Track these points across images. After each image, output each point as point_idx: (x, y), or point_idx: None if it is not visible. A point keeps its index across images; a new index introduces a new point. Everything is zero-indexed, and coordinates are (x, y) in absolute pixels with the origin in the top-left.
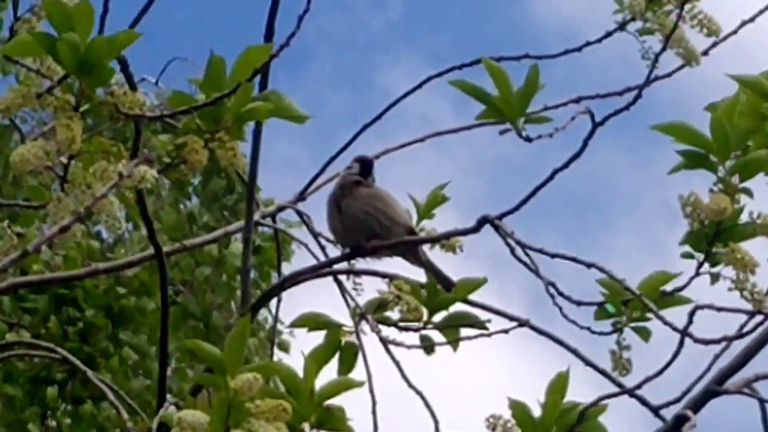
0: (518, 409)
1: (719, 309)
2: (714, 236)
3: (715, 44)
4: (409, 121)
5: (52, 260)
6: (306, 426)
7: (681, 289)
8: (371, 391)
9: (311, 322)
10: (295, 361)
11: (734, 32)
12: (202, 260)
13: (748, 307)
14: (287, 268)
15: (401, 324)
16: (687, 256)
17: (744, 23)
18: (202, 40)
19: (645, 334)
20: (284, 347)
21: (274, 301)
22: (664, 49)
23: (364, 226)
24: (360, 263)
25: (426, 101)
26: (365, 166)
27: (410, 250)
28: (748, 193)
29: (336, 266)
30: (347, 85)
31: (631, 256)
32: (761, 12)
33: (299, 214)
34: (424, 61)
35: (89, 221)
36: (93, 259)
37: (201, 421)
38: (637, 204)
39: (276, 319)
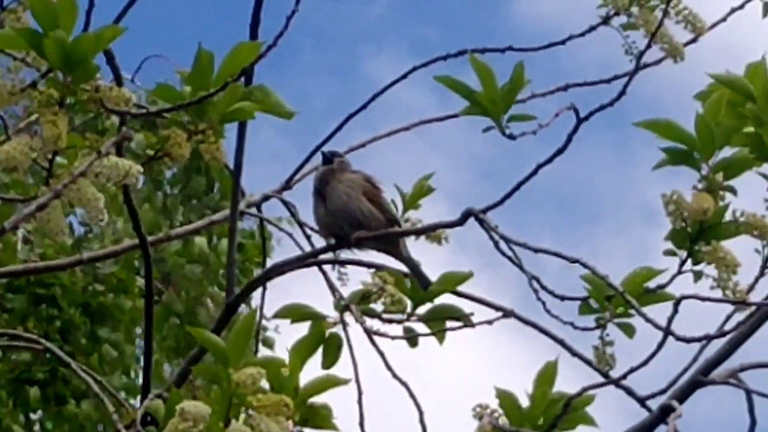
0: (506, 398)
1: (704, 299)
2: (697, 234)
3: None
4: (394, 110)
5: (29, 258)
6: (290, 423)
7: (664, 286)
8: (357, 382)
9: (295, 313)
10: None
11: (723, 19)
12: (190, 256)
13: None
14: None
15: (385, 316)
16: (670, 253)
17: (733, 10)
18: (177, 36)
19: (629, 330)
20: (268, 344)
21: (258, 297)
22: (649, 45)
23: (348, 210)
24: (345, 254)
25: (410, 91)
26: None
27: (391, 243)
28: (732, 191)
29: (321, 256)
30: (332, 75)
31: (612, 250)
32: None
33: (285, 203)
34: (409, 51)
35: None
36: (66, 255)
37: (203, 412)
38: (618, 199)
39: (261, 314)
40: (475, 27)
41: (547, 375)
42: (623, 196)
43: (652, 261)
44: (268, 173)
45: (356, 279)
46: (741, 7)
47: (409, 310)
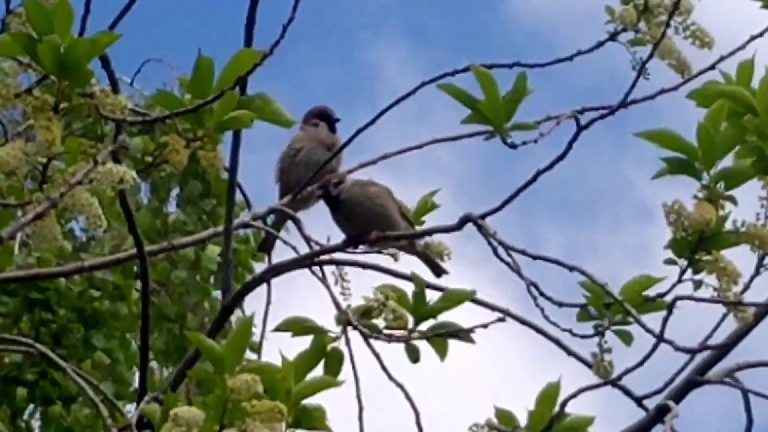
0: (504, 418)
1: (699, 300)
2: (697, 244)
3: (722, 58)
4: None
5: (26, 263)
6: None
7: (664, 295)
8: (358, 398)
9: (296, 327)
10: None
11: (742, 47)
12: (179, 262)
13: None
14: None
15: (386, 332)
16: (670, 262)
17: (753, 38)
18: (176, 39)
19: (627, 337)
20: (252, 348)
21: (262, 308)
22: (650, 56)
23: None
24: (346, 255)
25: (409, 79)
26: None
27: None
28: (733, 200)
29: (319, 258)
30: (331, 62)
31: (608, 247)
32: None
33: (291, 217)
34: (407, 39)
35: (62, 219)
36: (65, 260)
37: (196, 417)
38: (613, 196)
39: (265, 322)
40: (473, 14)
41: (549, 395)
42: (618, 193)
43: (648, 258)
44: (264, 159)
45: (357, 294)
46: (761, 34)
47: (410, 326)
